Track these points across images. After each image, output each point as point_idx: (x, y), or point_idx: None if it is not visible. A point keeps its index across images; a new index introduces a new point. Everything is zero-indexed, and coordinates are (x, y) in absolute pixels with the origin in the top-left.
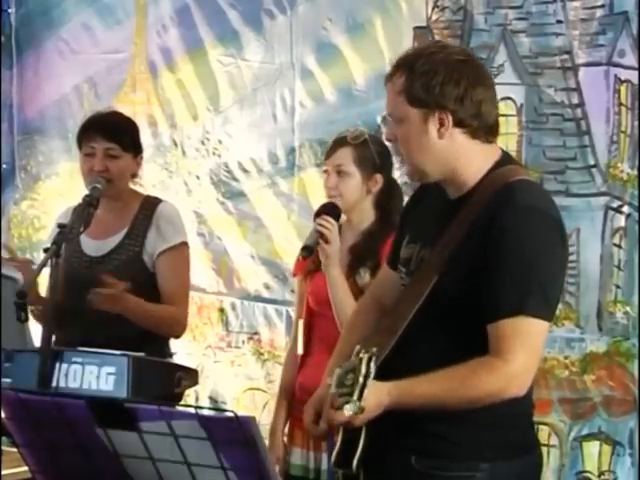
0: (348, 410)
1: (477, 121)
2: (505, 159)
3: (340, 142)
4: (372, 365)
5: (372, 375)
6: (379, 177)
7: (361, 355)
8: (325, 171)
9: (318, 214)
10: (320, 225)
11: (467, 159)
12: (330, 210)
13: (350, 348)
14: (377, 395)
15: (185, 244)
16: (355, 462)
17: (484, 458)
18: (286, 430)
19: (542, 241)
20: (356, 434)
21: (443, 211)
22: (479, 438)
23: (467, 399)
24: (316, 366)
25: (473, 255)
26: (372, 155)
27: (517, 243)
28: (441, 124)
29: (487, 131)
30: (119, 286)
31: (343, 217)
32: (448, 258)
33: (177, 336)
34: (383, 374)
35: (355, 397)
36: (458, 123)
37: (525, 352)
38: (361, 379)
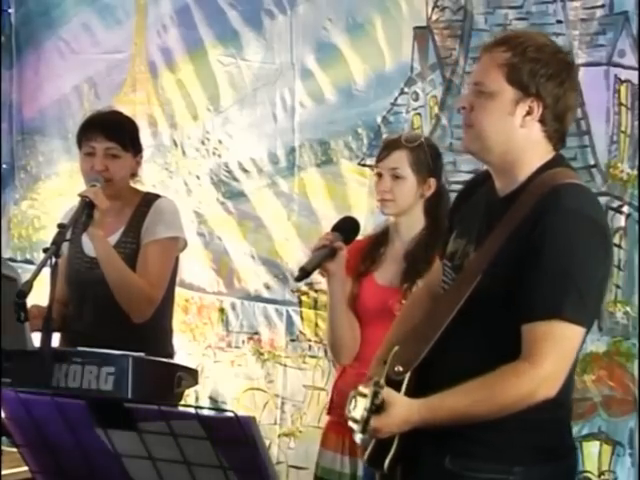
0: (357, 439)
1: (558, 125)
2: (558, 160)
3: (394, 144)
4: (377, 399)
5: (375, 408)
6: (433, 181)
7: (364, 389)
8: (377, 174)
9: (334, 229)
10: (321, 245)
11: (530, 156)
12: (345, 226)
13: (399, 338)
14: (406, 413)
15: (174, 239)
16: (387, 462)
17: (518, 461)
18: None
19: (584, 246)
20: (391, 436)
21: (491, 209)
22: (513, 441)
23: (498, 406)
24: (357, 375)
25: (516, 256)
26: (427, 159)
27: (558, 246)
28: (529, 112)
29: (560, 138)
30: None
31: (391, 220)
32: (492, 258)
33: (139, 316)
34: (422, 377)
35: (359, 430)
36: (542, 119)
37: (555, 356)
38: (365, 414)
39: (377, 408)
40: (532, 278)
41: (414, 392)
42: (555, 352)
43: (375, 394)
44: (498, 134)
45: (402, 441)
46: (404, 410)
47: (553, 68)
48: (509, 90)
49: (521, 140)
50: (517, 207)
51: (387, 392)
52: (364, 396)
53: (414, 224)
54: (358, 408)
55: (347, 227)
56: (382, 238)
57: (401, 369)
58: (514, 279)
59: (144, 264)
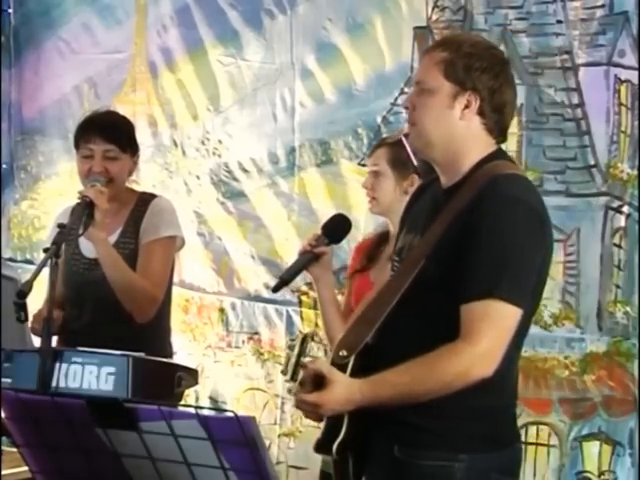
0: (291, 389)
1: (497, 117)
2: (498, 154)
3: (379, 142)
4: (306, 345)
5: (305, 353)
6: (416, 178)
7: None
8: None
9: (322, 229)
10: (304, 250)
11: (471, 148)
12: (333, 227)
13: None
14: (347, 391)
15: (172, 238)
16: (335, 447)
17: (463, 449)
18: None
19: (519, 229)
20: (339, 421)
21: (436, 203)
22: (458, 429)
23: (437, 384)
24: None
25: (456, 241)
26: (407, 155)
27: (494, 228)
28: (467, 106)
29: (500, 131)
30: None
31: (386, 221)
32: (434, 244)
33: (143, 316)
34: (366, 361)
35: (288, 377)
36: (480, 112)
37: (492, 334)
38: (293, 359)
39: (319, 384)
40: (469, 260)
41: (358, 375)
42: (491, 331)
43: (304, 339)
44: (439, 129)
45: (351, 428)
46: (345, 388)
47: (487, 62)
48: (447, 85)
49: (462, 132)
50: (458, 197)
51: (329, 370)
52: (293, 347)
53: None
54: (290, 360)
55: (335, 228)
56: (384, 237)
57: (345, 353)
58: (453, 263)
59: (146, 264)
